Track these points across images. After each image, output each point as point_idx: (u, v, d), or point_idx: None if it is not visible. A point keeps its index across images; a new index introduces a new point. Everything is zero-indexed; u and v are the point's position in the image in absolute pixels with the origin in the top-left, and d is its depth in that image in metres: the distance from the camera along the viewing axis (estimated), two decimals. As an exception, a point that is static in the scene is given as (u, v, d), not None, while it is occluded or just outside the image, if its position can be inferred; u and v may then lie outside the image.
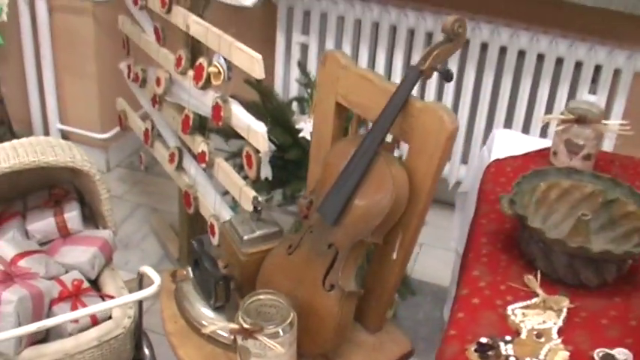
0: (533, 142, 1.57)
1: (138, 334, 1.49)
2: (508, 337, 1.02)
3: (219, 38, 1.57)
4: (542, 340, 1.03)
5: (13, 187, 1.70)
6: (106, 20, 2.30)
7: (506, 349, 1.00)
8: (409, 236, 1.17)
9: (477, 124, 2.21)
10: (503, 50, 2.10)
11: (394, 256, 1.18)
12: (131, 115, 2.22)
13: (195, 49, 1.74)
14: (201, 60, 1.64)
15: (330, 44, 2.29)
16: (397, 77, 2.21)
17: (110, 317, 1.46)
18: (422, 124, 1.10)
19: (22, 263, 1.43)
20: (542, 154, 1.50)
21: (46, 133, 2.57)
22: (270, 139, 1.53)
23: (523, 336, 1.03)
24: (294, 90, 2.38)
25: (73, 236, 1.62)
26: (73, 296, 1.45)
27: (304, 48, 2.35)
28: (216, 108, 1.59)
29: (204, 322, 1.27)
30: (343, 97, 1.25)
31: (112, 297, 1.51)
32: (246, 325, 1.09)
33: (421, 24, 2.13)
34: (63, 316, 1.32)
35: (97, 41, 2.35)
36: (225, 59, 1.56)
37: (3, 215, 1.63)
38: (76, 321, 1.41)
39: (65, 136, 2.58)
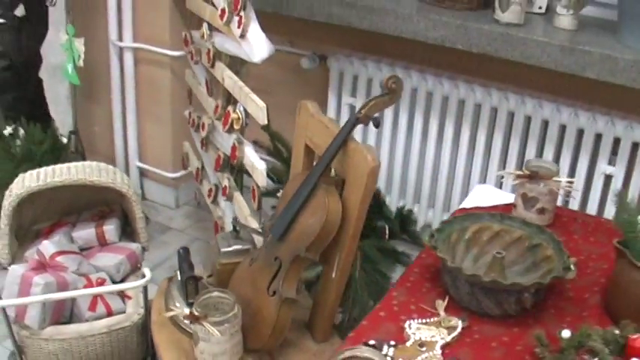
0: (508, 197, 1.78)
1: (146, 332, 1.84)
2: (392, 342, 1.25)
3: (240, 90, 1.93)
4: (424, 349, 1.25)
5: (73, 203, 2.13)
6: (179, 73, 2.75)
7: (387, 351, 1.24)
8: (344, 257, 1.43)
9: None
10: (528, 119, 2.32)
11: (333, 275, 1.45)
12: (191, 157, 2.64)
13: (228, 99, 2.12)
14: (229, 108, 2.02)
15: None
16: (431, 142, 2.48)
17: (124, 313, 1.83)
18: (353, 161, 1.39)
19: (59, 259, 1.82)
20: (509, 207, 1.72)
21: (127, 169, 3.04)
22: (269, 176, 1.86)
23: (408, 344, 1.26)
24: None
25: (108, 245, 2.01)
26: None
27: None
28: (233, 148, 1.94)
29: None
30: (309, 140, 1.56)
31: (130, 298, 1.88)
32: (196, 313, 1.40)
33: (453, 92, 2.40)
34: (80, 291, 1.70)
35: (172, 91, 2.80)
36: (243, 107, 1.93)
37: (58, 223, 2.06)
38: (93, 310, 1.78)
39: (142, 173, 3.04)
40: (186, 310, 1.42)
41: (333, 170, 1.48)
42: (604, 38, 2.08)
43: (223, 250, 1.59)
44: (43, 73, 2.79)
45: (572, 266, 1.34)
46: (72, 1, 2.66)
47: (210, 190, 2.28)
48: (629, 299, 1.25)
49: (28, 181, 1.86)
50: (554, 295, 1.38)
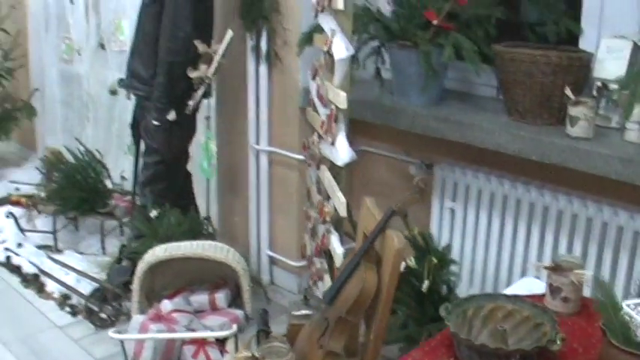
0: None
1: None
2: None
3: (332, 188, 2.43)
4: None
5: (196, 274, 2.71)
6: (304, 174, 3.32)
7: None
8: (378, 321, 1.83)
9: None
10: (589, 221, 2.60)
11: (371, 336, 1.85)
12: (307, 247, 3.15)
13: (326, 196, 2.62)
14: (324, 203, 2.52)
15: (471, 210, 2.98)
16: (507, 240, 2.81)
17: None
18: (386, 244, 1.80)
19: (174, 315, 2.37)
20: (542, 297, 2.03)
21: (259, 256, 3.60)
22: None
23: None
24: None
25: (218, 310, 2.54)
26: (200, 344, 2.35)
27: (452, 212, 3.07)
28: (323, 236, 2.43)
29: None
30: (365, 228, 2.00)
31: (227, 352, 2.38)
32: (257, 355, 1.85)
33: (554, 203, 2.73)
34: (184, 334, 2.22)
35: (299, 189, 3.36)
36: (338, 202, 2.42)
37: (182, 289, 2.63)
38: (196, 358, 2.30)
39: (272, 260, 3.59)
40: (252, 354, 1.87)
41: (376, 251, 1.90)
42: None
43: (293, 313, 2.05)
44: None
45: (558, 340, 1.64)
46: (220, 110, 3.36)
47: (312, 275, 2.76)
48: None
49: (158, 252, 2.46)
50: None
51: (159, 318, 2.29)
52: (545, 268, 1.93)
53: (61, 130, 5.16)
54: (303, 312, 2.04)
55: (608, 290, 1.62)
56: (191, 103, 2.96)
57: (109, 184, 4.03)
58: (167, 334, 2.18)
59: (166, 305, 2.36)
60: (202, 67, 2.84)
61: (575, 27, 2.75)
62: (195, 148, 3.53)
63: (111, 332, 2.24)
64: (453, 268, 2.72)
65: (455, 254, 2.96)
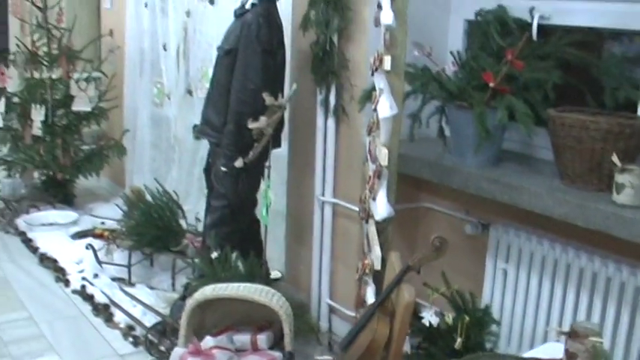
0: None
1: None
2: None
3: (372, 241, 2.57)
4: None
5: (245, 316, 2.88)
6: (363, 226, 3.47)
7: None
8: None
9: None
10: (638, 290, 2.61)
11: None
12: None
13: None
14: (367, 254, 2.65)
15: (522, 272, 3.03)
16: (556, 304, 2.84)
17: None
18: (398, 298, 1.92)
19: (214, 351, 2.55)
20: (561, 361, 2.07)
21: (319, 304, 3.75)
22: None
23: None
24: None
25: (259, 351, 2.70)
26: (235, 380, 2.51)
27: (505, 273, 3.13)
28: (361, 288, 2.56)
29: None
30: (388, 282, 2.13)
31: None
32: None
33: (575, 261, 2.77)
34: None
35: (359, 241, 3.50)
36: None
37: (228, 328, 2.81)
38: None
39: (331, 309, 3.73)
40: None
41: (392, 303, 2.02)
42: None
43: (317, 358, 2.18)
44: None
45: None
46: (291, 160, 3.57)
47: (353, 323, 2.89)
48: None
49: (206, 291, 2.65)
50: None
51: (198, 352, 2.47)
52: (562, 333, 1.99)
53: (148, 170, 5.53)
54: (326, 357, 2.17)
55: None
56: (251, 153, 3.18)
57: (184, 224, 4.30)
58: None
59: (208, 341, 2.54)
60: (262, 119, 3.06)
61: (633, 94, 2.79)
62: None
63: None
64: (494, 327, 2.79)
65: (505, 314, 3.03)
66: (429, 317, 2.47)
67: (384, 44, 2.50)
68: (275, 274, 4.06)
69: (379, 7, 2.61)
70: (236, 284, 2.70)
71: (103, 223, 5.11)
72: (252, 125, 3.07)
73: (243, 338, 2.69)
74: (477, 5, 3.21)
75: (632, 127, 2.60)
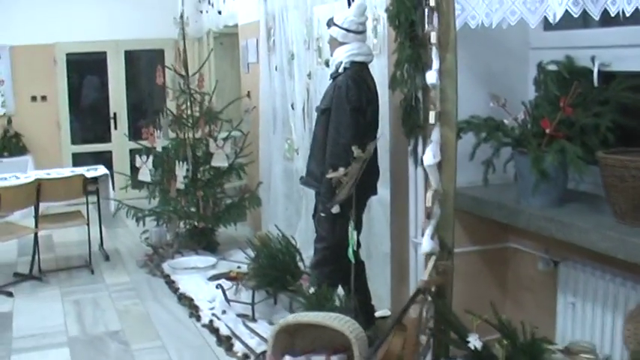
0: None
1: None
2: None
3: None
4: None
5: (328, 342, 3.41)
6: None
7: None
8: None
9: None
10: None
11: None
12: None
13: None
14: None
15: (588, 306, 3.34)
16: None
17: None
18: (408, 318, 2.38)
19: (286, 365, 3.09)
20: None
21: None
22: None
23: None
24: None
25: (331, 369, 3.21)
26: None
27: (573, 306, 3.44)
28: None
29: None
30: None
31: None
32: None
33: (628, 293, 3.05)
34: None
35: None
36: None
37: (311, 351, 3.35)
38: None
39: (425, 344, 4.15)
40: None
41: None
42: None
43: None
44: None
45: None
46: (393, 206, 4.08)
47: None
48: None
49: (289, 318, 3.21)
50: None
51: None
52: (558, 350, 2.36)
53: (281, 219, 6.22)
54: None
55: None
56: (335, 199, 3.73)
57: (302, 266, 4.89)
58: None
59: (286, 358, 3.07)
60: (341, 169, 3.61)
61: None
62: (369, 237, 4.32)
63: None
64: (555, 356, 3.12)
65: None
66: (474, 342, 2.87)
67: (431, 101, 2.99)
68: (384, 312, 4.55)
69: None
70: (316, 313, 3.24)
71: (239, 267, 5.82)
72: (329, 175, 3.64)
73: (318, 358, 3.21)
74: (553, 57, 3.61)
75: (671, 166, 2.89)
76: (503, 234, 4.00)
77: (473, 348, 2.86)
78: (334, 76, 4.04)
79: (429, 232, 2.96)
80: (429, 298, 2.93)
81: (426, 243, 2.91)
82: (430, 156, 2.93)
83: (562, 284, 3.49)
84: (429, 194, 2.97)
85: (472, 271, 3.89)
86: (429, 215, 2.98)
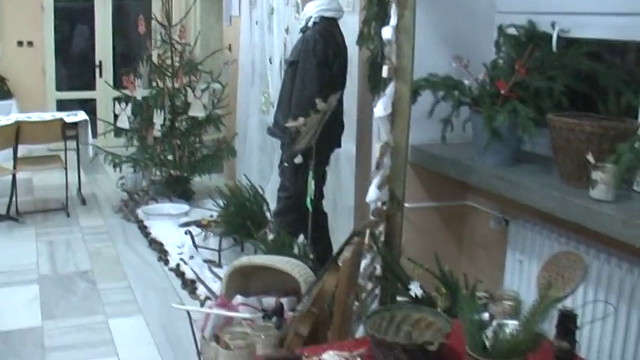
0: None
1: None
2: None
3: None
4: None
5: (282, 285, 3.49)
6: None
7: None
8: (336, 314, 2.49)
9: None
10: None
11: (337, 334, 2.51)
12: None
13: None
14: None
15: (534, 263, 3.43)
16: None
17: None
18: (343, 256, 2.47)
19: (240, 307, 3.18)
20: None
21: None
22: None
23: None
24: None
25: (282, 312, 3.30)
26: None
27: (521, 263, 3.54)
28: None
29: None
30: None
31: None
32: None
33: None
34: (229, 313, 3.02)
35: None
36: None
37: (264, 293, 3.43)
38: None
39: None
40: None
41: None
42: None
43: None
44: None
45: (435, 342, 2.13)
46: (357, 159, 4.14)
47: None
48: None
49: (243, 260, 3.29)
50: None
51: (224, 305, 3.10)
52: (484, 297, 2.45)
53: (256, 170, 6.29)
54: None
55: (469, 307, 2.09)
56: (294, 148, 3.79)
57: (268, 215, 4.98)
58: (223, 312, 3.00)
59: (237, 298, 3.16)
60: (300, 119, 3.67)
61: (632, 99, 3.14)
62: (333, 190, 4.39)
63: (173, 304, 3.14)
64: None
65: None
66: (415, 289, 2.96)
67: (386, 56, 3.04)
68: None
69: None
70: (270, 256, 3.33)
71: (211, 216, 5.89)
72: (289, 124, 3.70)
73: (269, 300, 3.29)
74: (518, 21, 3.65)
75: (616, 130, 2.96)
76: (461, 192, 4.07)
77: (414, 295, 2.95)
78: (303, 30, 4.08)
79: (375, 182, 3.03)
80: (375, 247, 3.02)
81: (372, 192, 2.99)
82: (381, 108, 2.99)
83: (512, 242, 3.58)
84: (378, 145, 3.03)
85: (430, 227, 3.97)
86: (378, 166, 3.05)
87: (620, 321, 2.93)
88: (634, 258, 2.93)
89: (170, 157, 6.29)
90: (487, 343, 1.94)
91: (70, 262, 5.03)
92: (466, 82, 3.57)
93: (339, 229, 4.67)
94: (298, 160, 3.91)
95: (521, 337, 1.89)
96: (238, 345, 1.95)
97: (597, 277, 3.02)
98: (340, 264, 2.46)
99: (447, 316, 2.25)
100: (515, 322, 1.97)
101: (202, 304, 4.25)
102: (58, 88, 9.28)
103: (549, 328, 2.12)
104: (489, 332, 1.94)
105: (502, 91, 3.32)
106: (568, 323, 2.07)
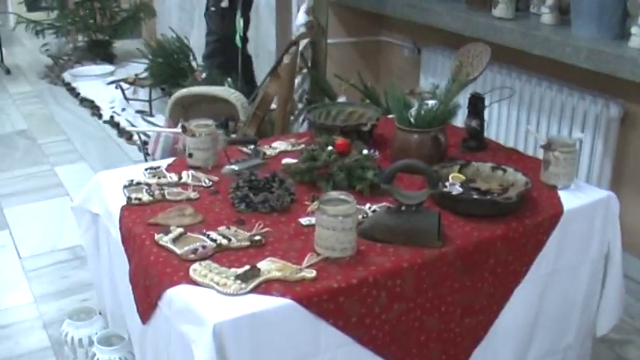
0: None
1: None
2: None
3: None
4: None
5: (222, 113, 3.73)
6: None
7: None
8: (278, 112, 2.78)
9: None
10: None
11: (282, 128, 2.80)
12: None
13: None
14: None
15: (443, 83, 3.77)
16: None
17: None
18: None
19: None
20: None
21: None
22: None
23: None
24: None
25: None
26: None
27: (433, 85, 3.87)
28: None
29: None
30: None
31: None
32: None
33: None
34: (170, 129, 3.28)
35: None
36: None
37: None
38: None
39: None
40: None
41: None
42: (562, 30, 3.02)
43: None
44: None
45: (368, 124, 2.43)
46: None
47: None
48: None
49: (183, 91, 3.51)
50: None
51: (171, 126, 3.36)
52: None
53: (176, 29, 6.34)
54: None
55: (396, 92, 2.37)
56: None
57: (194, 65, 5.13)
58: (170, 130, 3.25)
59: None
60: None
61: None
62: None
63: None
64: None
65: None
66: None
67: None
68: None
69: None
70: (208, 86, 3.56)
71: (136, 74, 6.00)
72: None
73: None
74: None
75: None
76: (376, 28, 4.34)
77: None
78: None
79: (304, 7, 3.26)
80: (305, 66, 3.29)
81: (301, 16, 3.23)
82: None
83: (424, 67, 3.90)
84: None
85: (347, 61, 4.23)
86: (304, -4, 3.28)
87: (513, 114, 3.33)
88: (531, 72, 3.31)
89: (92, 21, 6.28)
90: (412, 120, 2.25)
91: (5, 123, 5.09)
92: None
93: (262, 73, 4.87)
94: (225, 4, 4.07)
95: (440, 109, 2.21)
96: (203, 131, 2.22)
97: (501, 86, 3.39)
98: (280, 71, 2.72)
99: (375, 106, 2.56)
100: (434, 102, 2.27)
101: (140, 149, 4.46)
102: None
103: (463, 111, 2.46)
104: (413, 111, 2.25)
105: None
106: (477, 103, 2.40)
